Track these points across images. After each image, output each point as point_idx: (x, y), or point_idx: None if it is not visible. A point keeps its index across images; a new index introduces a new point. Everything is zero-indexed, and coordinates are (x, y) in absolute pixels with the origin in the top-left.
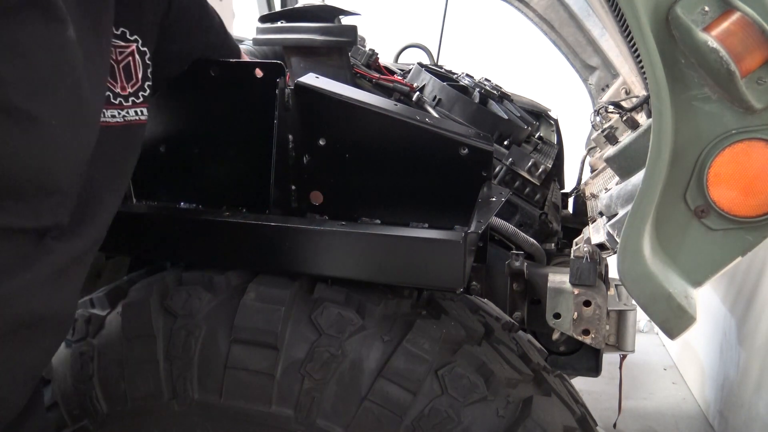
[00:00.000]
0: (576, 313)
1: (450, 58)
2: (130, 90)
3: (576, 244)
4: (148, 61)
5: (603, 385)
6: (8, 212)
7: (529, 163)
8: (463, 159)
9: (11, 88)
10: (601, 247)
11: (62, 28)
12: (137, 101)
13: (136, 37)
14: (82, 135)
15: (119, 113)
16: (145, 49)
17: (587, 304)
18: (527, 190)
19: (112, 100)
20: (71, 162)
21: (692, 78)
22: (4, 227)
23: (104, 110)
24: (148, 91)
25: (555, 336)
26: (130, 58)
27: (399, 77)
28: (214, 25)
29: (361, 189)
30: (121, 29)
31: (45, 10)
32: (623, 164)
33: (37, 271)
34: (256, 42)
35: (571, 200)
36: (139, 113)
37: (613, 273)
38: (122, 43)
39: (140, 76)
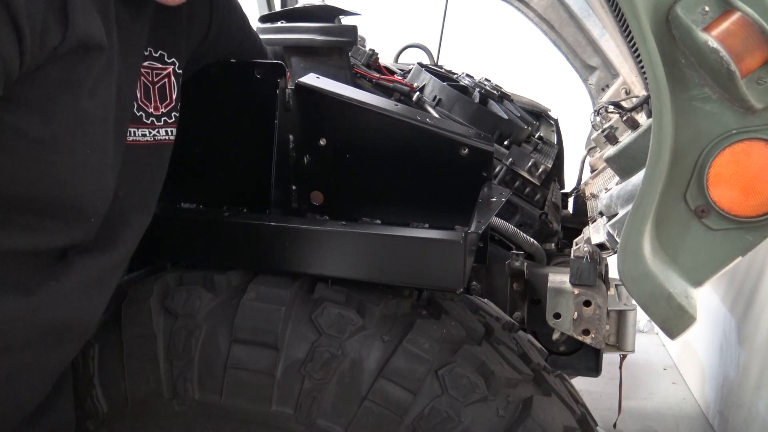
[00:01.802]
0: (576, 313)
1: (450, 58)
2: (163, 110)
3: (576, 244)
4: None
5: (603, 385)
6: (46, 232)
7: (529, 163)
8: (463, 159)
9: (59, 123)
10: (601, 247)
11: (106, 65)
12: (169, 121)
13: (173, 59)
14: (113, 160)
15: (150, 132)
16: (181, 71)
17: (587, 304)
18: (527, 190)
19: (144, 120)
20: (105, 187)
21: (692, 78)
22: (39, 248)
23: (135, 129)
24: (179, 112)
25: (555, 336)
26: (166, 79)
27: (399, 77)
28: (253, 52)
29: (361, 189)
30: (160, 52)
31: (91, 51)
32: (623, 164)
33: (64, 282)
34: None
35: (571, 200)
36: (169, 133)
37: (613, 273)
38: (160, 65)
39: (174, 97)
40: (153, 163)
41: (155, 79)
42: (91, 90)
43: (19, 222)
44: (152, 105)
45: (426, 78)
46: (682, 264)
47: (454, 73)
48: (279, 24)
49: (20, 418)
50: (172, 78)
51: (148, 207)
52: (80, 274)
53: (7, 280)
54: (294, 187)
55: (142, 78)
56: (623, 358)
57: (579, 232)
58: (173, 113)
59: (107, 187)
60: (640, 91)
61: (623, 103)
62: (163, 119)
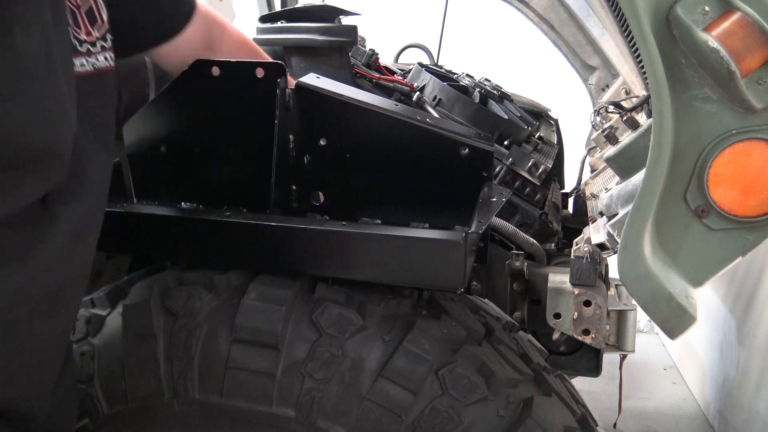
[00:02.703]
0: (576, 313)
1: (450, 58)
2: (96, 35)
3: (576, 244)
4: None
5: (603, 385)
6: (27, 187)
7: (530, 163)
8: (463, 159)
9: (6, 64)
10: (602, 247)
11: None
12: (106, 46)
13: None
14: (68, 90)
15: (87, 61)
16: None
17: (587, 304)
18: (527, 190)
19: (79, 48)
20: (69, 119)
21: (692, 78)
22: (23, 203)
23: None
24: (111, 36)
25: (555, 336)
26: (92, 1)
27: (399, 77)
28: None
29: (361, 189)
30: None
31: None
32: (623, 164)
33: (51, 242)
34: (256, 42)
35: (571, 200)
36: (109, 59)
37: (613, 273)
38: None
39: (105, 18)
40: (98, 94)
41: (79, 2)
42: (26, 26)
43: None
44: (83, 31)
45: (426, 78)
46: (683, 264)
47: (454, 73)
48: (279, 24)
49: (43, 397)
50: None
51: (106, 145)
52: (64, 227)
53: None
54: (294, 187)
55: (67, 3)
56: (623, 358)
57: (579, 232)
58: (107, 35)
59: (70, 118)
60: (640, 91)
61: (623, 103)
62: (99, 44)
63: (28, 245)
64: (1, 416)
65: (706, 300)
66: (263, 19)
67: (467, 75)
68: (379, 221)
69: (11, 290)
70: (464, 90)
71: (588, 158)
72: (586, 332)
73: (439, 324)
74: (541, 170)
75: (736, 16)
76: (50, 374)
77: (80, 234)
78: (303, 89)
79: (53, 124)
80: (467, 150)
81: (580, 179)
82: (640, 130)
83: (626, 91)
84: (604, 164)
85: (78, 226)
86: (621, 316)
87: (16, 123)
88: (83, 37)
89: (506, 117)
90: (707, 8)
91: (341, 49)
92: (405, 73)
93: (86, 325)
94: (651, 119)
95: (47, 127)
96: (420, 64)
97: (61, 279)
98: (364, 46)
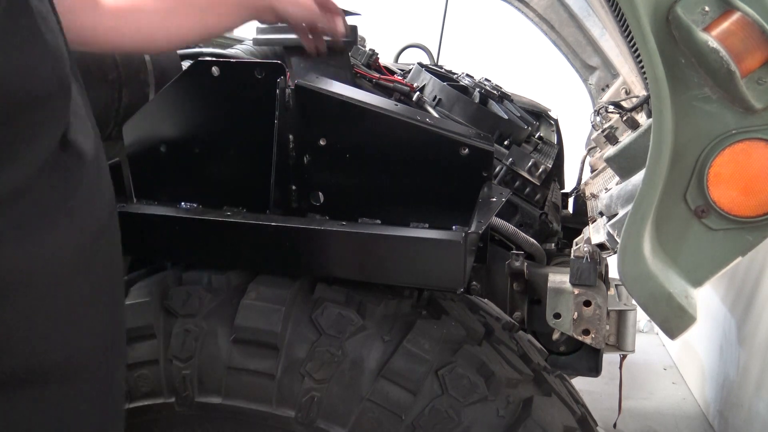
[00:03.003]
0: (576, 313)
1: (450, 58)
2: None
3: (576, 244)
4: None
5: (603, 385)
6: (46, 130)
7: (530, 163)
8: (463, 159)
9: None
10: (601, 247)
11: None
12: None
13: None
14: (53, 15)
15: None
16: None
17: (587, 304)
18: (527, 190)
19: None
20: (63, 48)
21: (692, 78)
22: (49, 153)
23: None
24: None
25: (555, 336)
26: None
27: (399, 77)
28: None
29: (361, 189)
30: None
31: None
32: (623, 164)
33: (86, 183)
34: (256, 42)
35: (571, 200)
36: None
37: (613, 273)
38: None
39: None
40: None
41: None
42: None
43: (22, 134)
44: None
45: (426, 78)
46: (682, 264)
47: (454, 73)
48: (279, 24)
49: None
50: None
51: (76, 75)
52: (91, 163)
53: (34, 212)
54: (294, 187)
55: None
56: (623, 358)
57: (579, 232)
58: None
59: (64, 46)
60: (640, 91)
61: (623, 103)
62: None
63: (67, 195)
64: (62, 373)
65: (706, 300)
66: None
67: (467, 75)
68: (378, 221)
69: (62, 246)
70: (464, 90)
71: (588, 158)
72: (586, 332)
73: (438, 324)
74: (541, 170)
75: (736, 16)
76: (106, 325)
77: (100, 167)
78: (303, 89)
79: (55, 55)
80: (467, 150)
81: (580, 179)
82: (640, 130)
83: (626, 91)
84: (604, 164)
85: (96, 159)
86: (621, 316)
87: (27, 62)
88: None
89: (506, 117)
90: (707, 8)
91: (341, 49)
92: (405, 73)
93: None
94: (651, 119)
95: (50, 60)
96: (420, 64)
97: (98, 219)
98: (364, 46)
